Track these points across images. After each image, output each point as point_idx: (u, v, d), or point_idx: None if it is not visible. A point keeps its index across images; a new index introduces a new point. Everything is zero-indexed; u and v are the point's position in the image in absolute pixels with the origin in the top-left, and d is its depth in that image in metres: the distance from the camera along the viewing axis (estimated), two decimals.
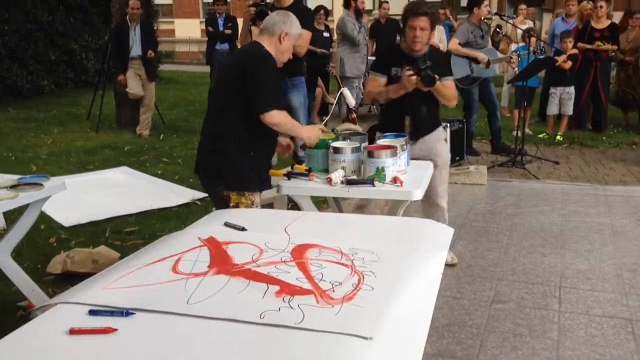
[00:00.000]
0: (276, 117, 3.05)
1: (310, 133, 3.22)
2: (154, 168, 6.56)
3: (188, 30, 24.15)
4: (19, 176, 3.14)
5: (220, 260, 1.95)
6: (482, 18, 6.71)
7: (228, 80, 3.14)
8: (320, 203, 4.44)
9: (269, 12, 3.93)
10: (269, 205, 4.40)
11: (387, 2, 10.38)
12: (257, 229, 2.26)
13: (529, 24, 8.69)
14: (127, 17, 8.00)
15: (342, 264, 1.92)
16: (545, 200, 5.47)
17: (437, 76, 3.59)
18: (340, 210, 3.65)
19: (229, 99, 3.10)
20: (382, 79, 3.83)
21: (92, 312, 1.61)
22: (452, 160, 5.48)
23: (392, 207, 3.22)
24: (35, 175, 3.19)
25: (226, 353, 1.44)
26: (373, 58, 9.91)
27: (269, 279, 1.79)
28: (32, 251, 4.15)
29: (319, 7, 9.34)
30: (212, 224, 2.38)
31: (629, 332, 3.17)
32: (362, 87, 9.14)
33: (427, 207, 4.00)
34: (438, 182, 3.91)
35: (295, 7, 4.69)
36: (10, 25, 11.11)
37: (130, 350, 1.46)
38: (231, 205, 3.12)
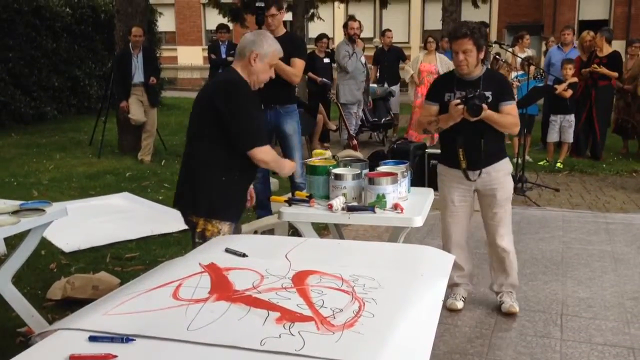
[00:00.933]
0: (265, 155, 2.99)
1: (291, 169, 3.31)
2: (155, 194, 6.57)
3: (190, 57, 24.43)
4: (21, 202, 3.15)
5: (221, 286, 1.95)
6: None
7: (202, 109, 3.03)
8: (321, 229, 4.44)
9: None
10: (269, 231, 4.41)
11: (390, 31, 10.63)
12: (258, 255, 2.26)
13: (528, 52, 8.76)
14: (130, 45, 8.10)
15: (343, 291, 1.91)
16: (546, 227, 5.47)
17: (485, 105, 3.32)
18: (341, 237, 3.65)
19: (203, 127, 3.01)
20: (435, 107, 3.57)
21: (92, 339, 1.61)
22: None
23: (392, 234, 3.22)
24: (37, 201, 3.20)
25: None
26: (374, 85, 10.07)
27: (269, 306, 1.79)
28: (32, 277, 4.14)
29: (322, 35, 9.49)
30: (213, 250, 2.38)
31: None
32: (361, 113, 9.21)
33: (491, 251, 3.75)
34: (497, 221, 3.62)
35: (288, 37, 4.74)
36: (15, 52, 11.24)
37: None
38: (197, 231, 3.01)
